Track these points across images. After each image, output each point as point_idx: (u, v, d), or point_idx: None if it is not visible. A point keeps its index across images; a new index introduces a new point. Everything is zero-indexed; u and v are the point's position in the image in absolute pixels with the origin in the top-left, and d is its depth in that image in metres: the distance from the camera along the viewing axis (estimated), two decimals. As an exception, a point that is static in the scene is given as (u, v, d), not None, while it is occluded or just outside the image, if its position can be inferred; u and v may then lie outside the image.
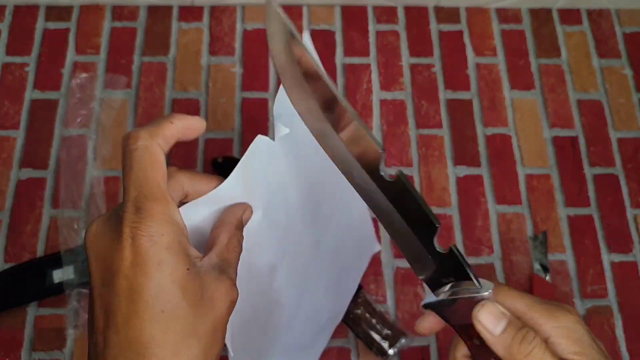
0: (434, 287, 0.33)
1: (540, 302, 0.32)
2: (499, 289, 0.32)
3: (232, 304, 0.30)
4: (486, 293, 0.31)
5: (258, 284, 0.40)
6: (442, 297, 0.32)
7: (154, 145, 0.29)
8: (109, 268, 0.28)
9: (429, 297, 0.33)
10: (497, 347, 0.30)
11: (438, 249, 0.32)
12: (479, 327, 0.30)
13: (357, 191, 0.33)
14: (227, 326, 0.31)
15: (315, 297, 0.49)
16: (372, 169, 0.31)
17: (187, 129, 0.32)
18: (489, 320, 0.30)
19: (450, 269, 0.32)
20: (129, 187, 0.29)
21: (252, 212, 0.35)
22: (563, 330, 0.30)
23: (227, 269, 0.31)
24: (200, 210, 0.33)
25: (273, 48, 0.30)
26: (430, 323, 0.35)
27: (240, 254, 0.33)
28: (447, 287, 0.32)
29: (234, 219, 0.33)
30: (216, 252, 0.31)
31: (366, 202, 0.33)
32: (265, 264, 0.40)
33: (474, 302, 0.31)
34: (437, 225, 0.31)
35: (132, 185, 0.28)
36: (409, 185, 0.31)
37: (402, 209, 0.31)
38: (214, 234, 0.32)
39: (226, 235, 0.32)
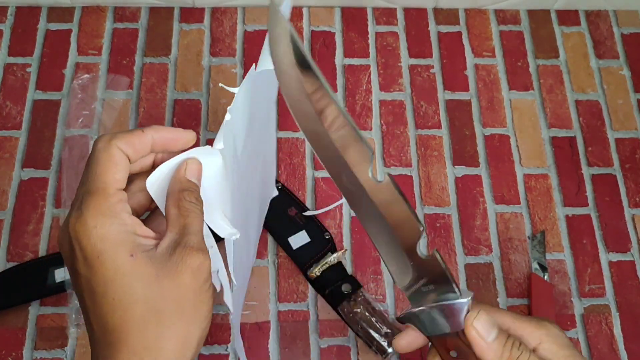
0: (414, 298, 0.33)
1: (523, 316, 0.34)
2: (481, 306, 0.33)
3: (198, 270, 0.30)
4: (465, 300, 0.32)
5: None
6: (422, 307, 0.33)
7: (111, 147, 0.31)
8: (72, 270, 0.30)
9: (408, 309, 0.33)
10: (488, 354, 0.31)
11: (420, 255, 0.32)
12: (472, 334, 0.32)
13: (343, 193, 0.33)
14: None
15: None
16: (362, 173, 0.32)
17: (166, 140, 0.33)
18: (484, 328, 0.31)
19: (431, 275, 0.32)
20: (80, 186, 0.30)
21: (197, 163, 0.34)
22: (552, 337, 0.33)
23: (183, 239, 0.31)
24: (163, 179, 0.33)
25: (277, 51, 0.31)
26: (409, 338, 0.35)
27: (199, 212, 0.32)
28: (428, 295, 0.33)
29: (177, 183, 0.33)
30: (170, 227, 0.31)
31: (351, 206, 0.33)
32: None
33: (454, 310, 0.32)
34: (421, 229, 0.32)
35: (82, 184, 0.30)
36: (397, 188, 0.31)
37: (388, 212, 0.32)
38: (166, 209, 0.33)
39: (174, 205, 0.32)
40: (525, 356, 0.31)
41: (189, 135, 0.34)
